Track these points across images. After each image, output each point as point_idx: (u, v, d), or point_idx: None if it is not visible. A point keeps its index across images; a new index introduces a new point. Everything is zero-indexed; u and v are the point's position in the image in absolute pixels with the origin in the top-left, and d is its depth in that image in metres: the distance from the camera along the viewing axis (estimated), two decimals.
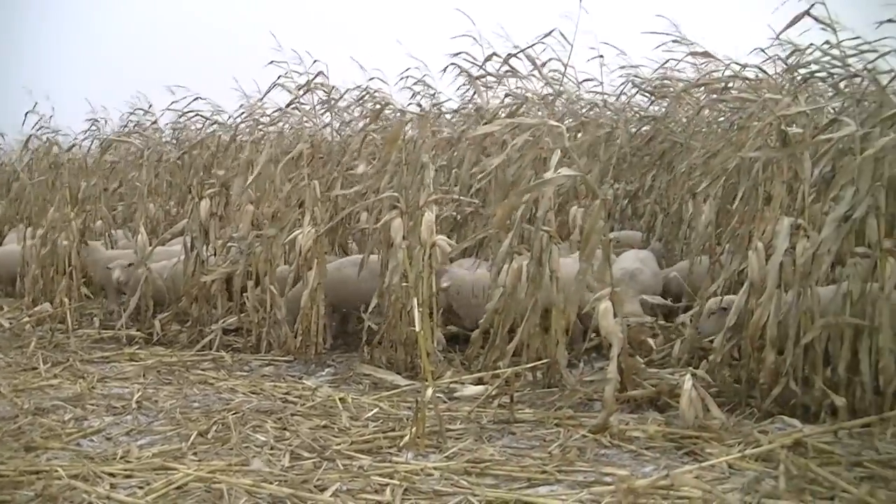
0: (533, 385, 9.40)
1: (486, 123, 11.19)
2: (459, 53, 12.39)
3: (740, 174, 9.24)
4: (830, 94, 10.12)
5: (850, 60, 9.50)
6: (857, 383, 8.21)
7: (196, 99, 15.33)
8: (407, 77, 13.60)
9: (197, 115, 15.69)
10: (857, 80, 9.68)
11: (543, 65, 11.88)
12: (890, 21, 8.62)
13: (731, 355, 8.94)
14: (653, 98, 13.89)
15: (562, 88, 12.71)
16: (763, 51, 11.20)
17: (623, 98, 14.46)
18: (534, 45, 11.22)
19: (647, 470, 7.08)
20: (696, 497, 6.33)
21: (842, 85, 9.67)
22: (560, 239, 9.66)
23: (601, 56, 11.84)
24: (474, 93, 12.75)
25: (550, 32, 11.09)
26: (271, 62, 12.45)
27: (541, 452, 7.50)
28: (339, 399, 9.00)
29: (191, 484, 6.75)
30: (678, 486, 6.45)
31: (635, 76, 14.23)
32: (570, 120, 12.84)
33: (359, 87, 13.08)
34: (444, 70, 12.79)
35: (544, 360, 9.17)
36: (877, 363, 8.08)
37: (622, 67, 14.31)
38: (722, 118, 12.12)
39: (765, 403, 8.37)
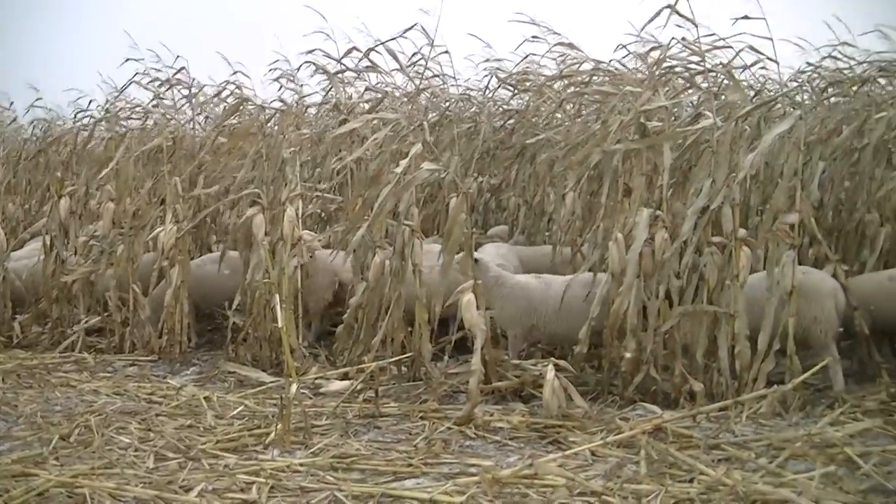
0: (398, 379, 9.43)
1: (343, 119, 11.17)
2: (313, 51, 12.28)
3: (601, 167, 9.38)
4: (689, 88, 10.31)
5: (707, 56, 9.70)
6: (714, 369, 8.47)
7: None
8: (274, 70, 13.44)
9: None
10: (713, 74, 9.92)
11: (416, 61, 11.87)
12: (745, 17, 8.81)
13: (592, 344, 9.07)
14: (515, 91, 13.98)
15: (425, 83, 12.73)
16: (625, 46, 11.37)
17: (487, 92, 14.54)
18: (394, 38, 11.19)
19: (512, 460, 7.16)
20: (559, 484, 6.43)
21: (699, 80, 9.86)
22: (423, 234, 9.69)
23: (447, 52, 11.85)
24: (331, 88, 12.66)
25: (412, 27, 11.11)
26: (127, 59, 12.23)
27: (406, 446, 7.54)
28: (205, 398, 8.90)
29: (52, 490, 6.56)
30: (542, 475, 6.54)
31: (499, 70, 14.30)
32: (434, 114, 12.86)
33: (227, 81, 12.89)
34: (299, 67, 12.67)
35: (409, 354, 9.19)
36: (733, 348, 8.34)
37: (486, 61, 14.39)
38: (586, 111, 12.26)
39: (626, 391, 8.57)
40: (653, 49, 10.54)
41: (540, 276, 9.62)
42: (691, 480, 6.57)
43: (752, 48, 9.36)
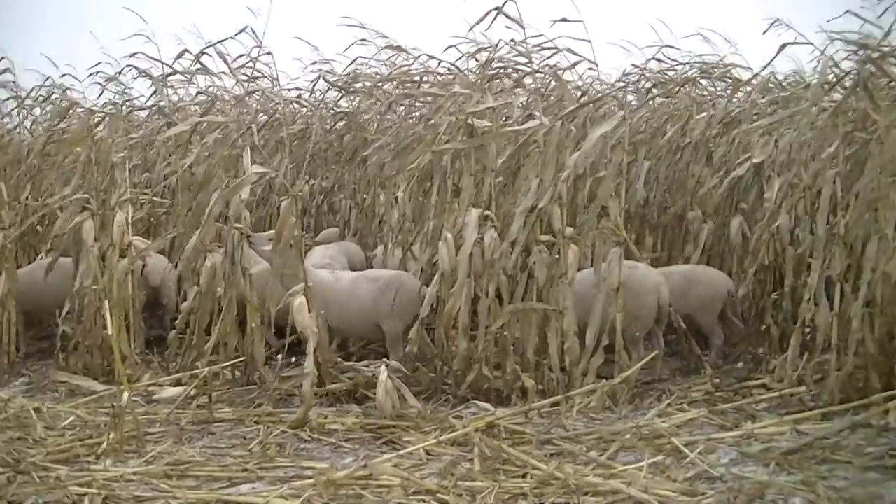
0: (232, 383, 9.31)
1: (170, 123, 11.00)
2: (135, 54, 12.01)
3: (431, 168, 9.44)
4: (517, 89, 10.44)
5: (536, 57, 9.86)
6: (545, 365, 8.62)
7: None
8: (97, 73, 13.09)
9: None
10: (541, 76, 10.08)
11: (244, 63, 11.73)
12: (563, 20, 8.95)
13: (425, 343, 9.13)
14: (343, 93, 13.95)
15: (254, 86, 12.60)
16: (455, 47, 11.44)
17: (318, 94, 14.48)
18: (223, 41, 11.03)
19: (347, 461, 7.15)
20: (394, 484, 6.45)
21: (527, 81, 10.00)
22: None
23: (270, 53, 11.74)
24: (154, 91, 12.42)
25: (243, 30, 10.96)
26: None
27: (241, 450, 7.45)
28: (34, 409, 8.60)
29: None
30: (377, 475, 6.55)
31: (329, 72, 14.26)
32: (264, 117, 12.76)
33: (55, 85, 12.52)
34: (121, 71, 12.39)
35: (242, 358, 9.11)
36: (563, 345, 8.49)
37: (314, 63, 14.32)
38: (417, 113, 12.31)
39: (459, 390, 8.64)
40: (481, 50, 10.63)
41: (334, 272, 9.65)
42: (524, 475, 6.68)
43: (570, 51, 9.52)
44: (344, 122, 13.46)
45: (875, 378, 8.11)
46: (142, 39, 11.67)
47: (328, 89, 13.93)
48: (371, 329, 9.38)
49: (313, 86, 14.00)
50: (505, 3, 9.08)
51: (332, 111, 13.95)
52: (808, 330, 8.96)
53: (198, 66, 11.12)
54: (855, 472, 6.72)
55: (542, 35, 9.74)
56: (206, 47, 10.96)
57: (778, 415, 8.02)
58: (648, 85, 12.20)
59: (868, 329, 8.22)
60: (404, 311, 9.26)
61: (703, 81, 12.11)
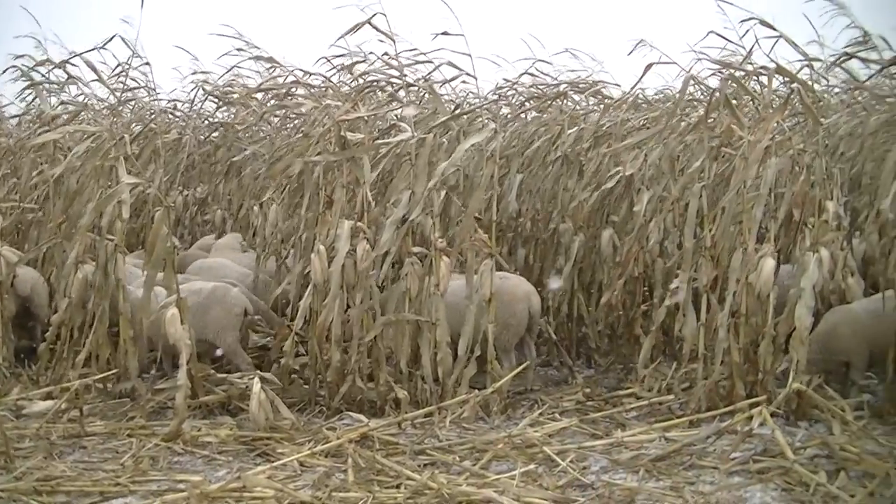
0: (104, 396, 9.15)
1: (43, 130, 10.80)
2: (22, 56, 11.78)
3: (304, 179, 9.42)
4: (392, 101, 10.47)
5: (410, 70, 9.91)
6: (418, 376, 8.67)
7: None
8: None
9: None
10: (415, 88, 10.14)
11: (118, 72, 11.53)
12: (445, 33, 9.01)
13: (296, 354, 9.11)
14: (219, 104, 13.86)
15: (129, 95, 12.42)
16: (328, 60, 11.41)
17: (194, 105, 14.36)
18: (94, 49, 10.85)
19: (221, 474, 7.12)
20: (268, 496, 6.45)
21: (402, 93, 10.04)
22: (127, 248, 9.49)
23: (148, 63, 11.58)
24: (35, 98, 12.18)
25: (112, 38, 10.80)
26: None
27: (113, 464, 7.34)
28: None
29: None
30: (250, 488, 6.53)
31: (205, 82, 14.15)
32: (138, 126, 12.58)
33: None
34: (3, 72, 12.12)
35: (114, 371, 8.98)
36: (435, 355, 8.55)
37: (193, 73, 14.20)
38: (291, 125, 12.27)
39: (333, 401, 8.63)
40: (357, 63, 10.64)
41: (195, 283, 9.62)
42: (398, 486, 6.75)
43: (451, 64, 9.59)
44: (218, 132, 13.37)
45: (740, 386, 8.33)
46: (32, 42, 11.49)
47: (205, 99, 13.84)
48: (203, 342, 9.14)
49: (193, 97, 13.90)
50: (373, 15, 9.11)
51: (206, 122, 13.86)
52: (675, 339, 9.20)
53: (67, 75, 10.95)
54: (721, 476, 6.92)
55: (416, 49, 9.83)
56: (72, 57, 10.79)
57: (647, 423, 8.19)
58: (521, 99, 12.34)
59: (733, 338, 8.44)
60: (230, 323, 9.24)
61: (576, 97, 12.28)
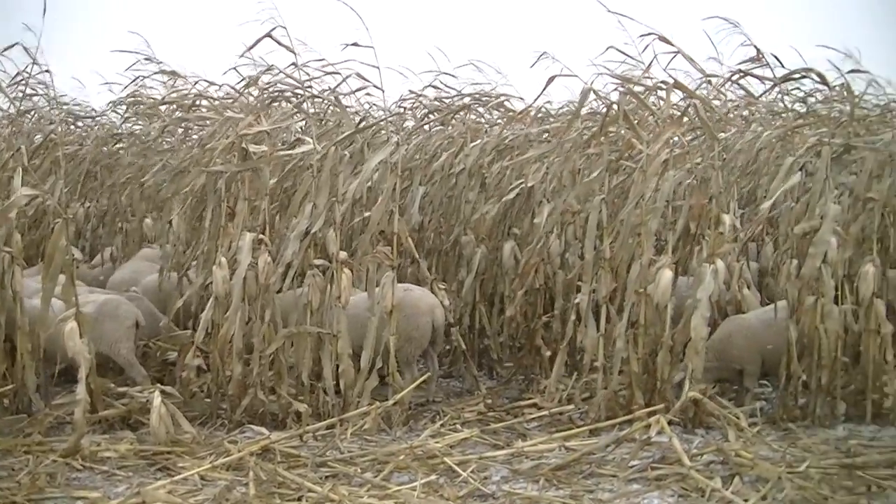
0: (1, 412, 9.01)
1: None
2: None
3: (206, 191, 9.38)
4: (297, 113, 10.45)
5: (316, 81, 9.91)
6: (319, 388, 8.67)
7: None
8: None
9: None
10: (319, 100, 10.15)
11: (18, 80, 11.31)
12: (355, 44, 9.02)
13: (200, 369, 9.06)
14: (125, 116, 13.68)
15: (28, 104, 12.22)
16: (236, 69, 11.35)
17: (97, 115, 14.16)
18: None
19: (120, 489, 7.04)
20: None
21: (307, 105, 10.04)
22: (25, 261, 9.36)
23: (48, 71, 11.39)
24: None
25: (13, 45, 10.62)
26: None
27: (9, 482, 7.19)
28: None
29: None
30: (151, 503, 6.48)
31: (110, 91, 13.99)
32: (39, 137, 12.38)
33: None
34: None
35: (10, 385, 8.83)
36: (337, 368, 8.57)
37: (102, 84, 14.00)
38: (195, 136, 12.17)
39: (234, 414, 8.60)
40: (263, 73, 10.60)
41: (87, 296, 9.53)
42: (300, 498, 6.76)
43: (358, 75, 9.61)
44: (121, 143, 13.23)
45: (639, 395, 8.48)
46: None
47: (108, 109, 13.68)
48: (100, 354, 8.95)
49: (98, 107, 13.72)
50: (273, 28, 9.11)
51: (110, 132, 13.70)
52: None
53: None
54: (619, 484, 7.04)
55: (323, 59, 9.83)
56: None
57: (548, 432, 8.30)
58: (425, 111, 12.39)
59: (632, 349, 8.58)
60: (122, 335, 9.18)
61: (480, 109, 12.36)
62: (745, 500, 6.56)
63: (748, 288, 10.12)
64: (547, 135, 11.01)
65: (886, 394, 8.81)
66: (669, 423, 7.73)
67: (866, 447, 7.89)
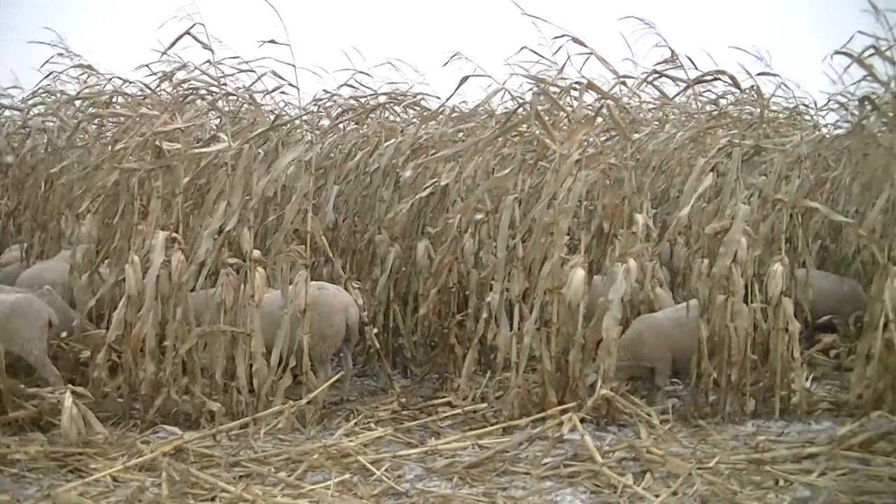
0: None
1: None
2: None
3: (119, 189, 9.28)
4: (212, 111, 10.39)
5: (231, 79, 9.87)
6: (233, 388, 8.62)
7: None
8: None
9: None
10: (235, 98, 10.10)
11: None
12: (273, 42, 8.98)
13: (111, 367, 8.97)
14: (28, 109, 13.48)
15: None
16: (148, 66, 11.24)
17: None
18: None
19: (30, 492, 6.93)
20: None
21: (220, 103, 9.98)
22: None
23: None
24: None
25: None
26: None
27: None
28: None
29: None
30: None
31: (15, 87, 13.80)
32: None
33: None
34: None
35: None
36: (251, 367, 8.53)
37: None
38: (109, 134, 12.04)
39: (147, 414, 8.53)
40: (178, 70, 10.52)
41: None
42: (213, 499, 6.72)
43: (274, 73, 9.58)
44: (31, 139, 13.04)
45: (552, 393, 8.54)
46: None
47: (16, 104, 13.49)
48: (10, 353, 8.89)
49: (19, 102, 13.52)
50: (193, 26, 9.06)
51: (17, 129, 13.51)
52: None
53: None
54: (532, 482, 7.10)
55: (239, 57, 9.79)
56: None
57: (461, 431, 8.35)
58: (340, 110, 12.38)
59: (545, 347, 8.65)
60: (34, 334, 9.05)
61: (396, 108, 12.39)
62: (656, 496, 6.64)
63: (661, 287, 10.26)
64: (461, 134, 11.07)
65: (794, 390, 8.99)
66: (582, 420, 7.82)
67: (774, 442, 8.05)
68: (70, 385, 8.24)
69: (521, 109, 9.48)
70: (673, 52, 10.57)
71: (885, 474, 6.99)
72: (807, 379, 9.67)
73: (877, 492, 6.65)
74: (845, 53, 9.14)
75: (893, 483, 6.82)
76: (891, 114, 9.29)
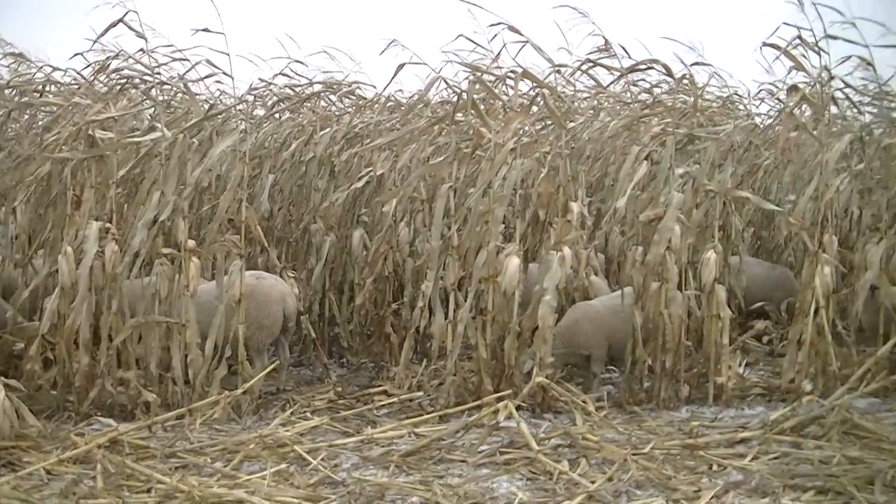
0: None
1: None
2: None
3: (52, 179, 9.18)
4: (146, 100, 10.29)
5: (165, 67, 9.78)
6: (169, 378, 8.58)
7: None
8: None
9: None
10: (169, 87, 10.02)
11: None
12: (206, 30, 8.90)
13: (45, 359, 8.87)
14: None
15: None
16: (82, 55, 11.10)
17: None
18: None
19: None
20: None
21: (155, 92, 9.89)
22: None
23: None
24: None
25: None
26: None
27: None
28: None
29: None
30: None
31: None
32: None
33: None
34: None
35: None
36: (186, 357, 8.49)
37: None
38: (41, 123, 11.87)
39: (82, 406, 8.45)
40: (110, 59, 10.41)
41: None
42: (149, 490, 6.67)
43: (208, 62, 9.52)
44: None
45: (487, 381, 8.59)
46: None
47: None
48: None
49: None
50: (126, 13, 8.98)
51: None
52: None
53: None
54: (469, 469, 7.13)
55: (172, 46, 9.71)
56: None
57: (398, 419, 8.36)
58: (275, 99, 12.33)
59: (481, 335, 8.69)
60: None
61: (333, 97, 12.35)
62: (592, 482, 6.69)
63: (596, 274, 10.34)
64: (397, 123, 11.08)
65: (728, 376, 9.10)
66: (518, 408, 7.83)
67: (708, 428, 8.16)
68: (2, 378, 8.12)
69: (456, 98, 9.49)
70: (607, 40, 10.65)
71: (816, 457, 7.11)
72: (740, 364, 9.82)
73: (808, 475, 6.76)
74: (772, 46, 9.26)
75: (824, 465, 6.93)
76: (818, 102, 9.43)
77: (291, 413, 8.51)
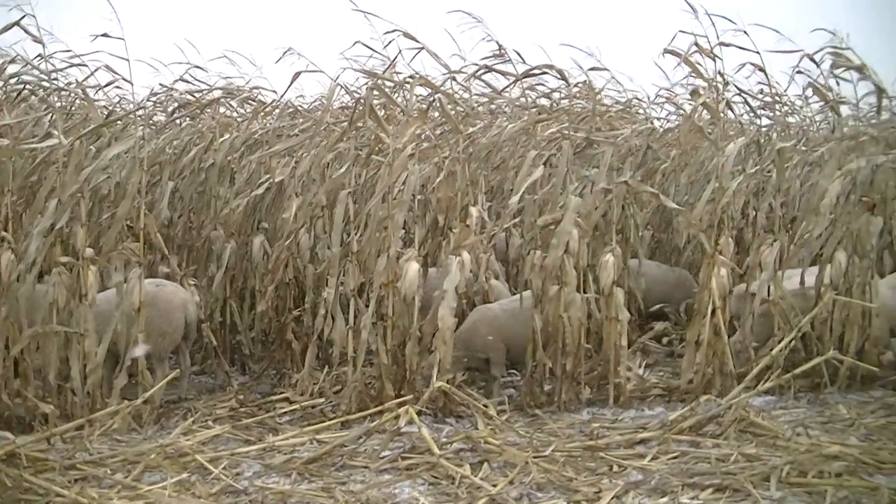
0: None
1: None
2: None
3: None
4: (44, 106, 10.16)
5: (63, 73, 9.66)
6: (67, 389, 8.47)
7: None
8: None
9: None
10: (66, 93, 9.90)
11: None
12: (105, 35, 8.79)
13: None
14: None
15: None
16: None
17: None
18: None
19: None
20: None
21: (52, 98, 9.77)
22: None
23: None
24: None
25: None
26: None
27: None
28: None
29: None
30: None
31: None
32: None
33: None
34: None
35: None
36: (85, 367, 8.39)
37: None
38: None
39: None
40: (8, 63, 10.24)
41: None
42: (48, 503, 6.57)
43: (108, 67, 9.44)
44: None
45: (389, 386, 8.63)
46: None
47: None
48: None
49: None
50: (23, 17, 8.85)
51: None
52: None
53: None
54: (371, 475, 7.15)
55: (71, 51, 9.60)
56: None
57: (300, 426, 8.35)
58: (175, 105, 12.24)
59: (381, 341, 8.72)
60: None
61: (234, 103, 12.30)
62: (494, 486, 6.74)
63: (496, 278, 10.42)
64: (297, 129, 11.07)
65: (627, 378, 9.24)
66: (419, 413, 7.86)
67: (608, 429, 8.28)
68: None
69: (357, 104, 9.51)
70: (500, 46, 10.72)
71: (713, 455, 7.25)
72: (640, 366, 9.98)
73: (706, 473, 6.88)
74: (673, 52, 9.43)
75: (721, 463, 7.06)
76: (714, 107, 9.61)
77: (193, 422, 8.44)
